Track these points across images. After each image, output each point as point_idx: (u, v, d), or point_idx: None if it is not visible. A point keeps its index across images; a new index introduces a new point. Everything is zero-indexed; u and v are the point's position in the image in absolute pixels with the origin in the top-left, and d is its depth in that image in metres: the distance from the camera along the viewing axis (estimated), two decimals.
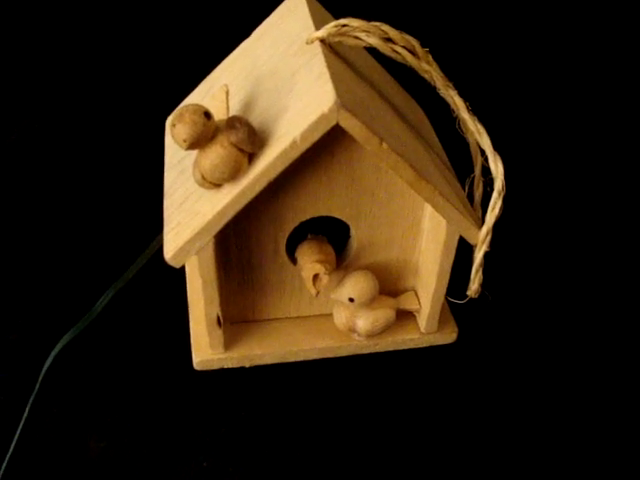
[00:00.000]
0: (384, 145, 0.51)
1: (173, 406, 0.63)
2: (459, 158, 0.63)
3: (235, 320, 0.66)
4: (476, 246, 0.59)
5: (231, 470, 0.60)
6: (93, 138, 0.89)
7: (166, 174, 0.62)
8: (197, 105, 0.51)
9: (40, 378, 0.64)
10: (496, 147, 0.57)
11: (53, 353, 0.65)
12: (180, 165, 0.60)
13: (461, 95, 0.58)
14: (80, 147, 0.87)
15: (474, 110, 0.58)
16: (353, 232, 0.62)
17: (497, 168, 0.57)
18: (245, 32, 0.65)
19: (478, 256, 0.59)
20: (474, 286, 0.61)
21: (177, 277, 0.68)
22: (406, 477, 0.60)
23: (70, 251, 0.75)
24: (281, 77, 0.55)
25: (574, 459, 0.62)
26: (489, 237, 0.58)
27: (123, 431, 0.62)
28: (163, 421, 0.62)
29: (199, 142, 0.50)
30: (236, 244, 0.60)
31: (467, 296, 0.62)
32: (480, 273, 0.60)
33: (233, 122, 0.51)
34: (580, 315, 0.72)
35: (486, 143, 0.58)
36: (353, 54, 0.59)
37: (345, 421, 0.63)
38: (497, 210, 0.57)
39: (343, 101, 0.48)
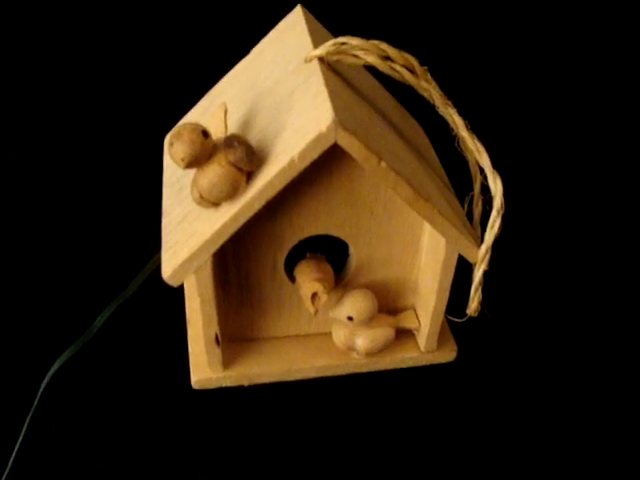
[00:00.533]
0: (382, 164, 0.51)
1: (171, 425, 0.63)
2: (458, 176, 0.63)
3: (233, 338, 0.65)
4: (475, 265, 0.59)
5: None
6: (92, 155, 0.89)
7: (164, 192, 0.62)
8: (195, 124, 0.51)
9: (38, 396, 0.64)
10: (495, 165, 0.57)
11: (51, 371, 0.65)
12: (178, 183, 0.60)
13: (460, 113, 0.58)
14: (79, 164, 0.87)
15: (473, 128, 0.58)
16: (352, 250, 0.62)
17: (496, 186, 0.57)
18: (244, 49, 0.65)
19: (477, 275, 0.59)
20: (473, 304, 0.61)
21: (175, 295, 0.67)
22: None
23: (69, 268, 0.75)
24: (280, 95, 0.55)
25: (575, 478, 0.62)
26: (488, 256, 0.58)
27: (120, 450, 0.61)
28: (161, 440, 0.62)
29: (197, 161, 0.50)
30: (234, 263, 0.59)
31: (466, 314, 0.62)
32: (479, 291, 0.60)
33: (231, 141, 0.50)
34: (580, 333, 0.72)
35: (485, 161, 0.58)
36: (352, 72, 0.59)
37: (344, 440, 0.63)
38: (496, 228, 0.57)
39: (341, 119, 0.48)
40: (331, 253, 0.63)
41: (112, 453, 0.61)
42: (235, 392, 0.65)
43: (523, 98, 1.01)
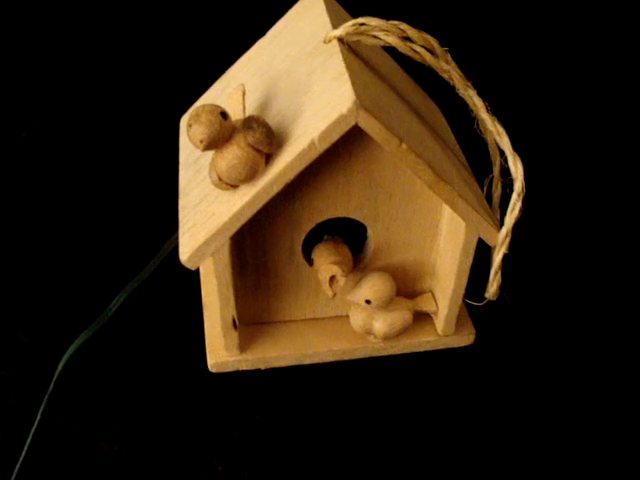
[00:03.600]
0: (403, 146, 0.50)
1: (187, 409, 0.63)
2: (478, 159, 0.63)
3: (250, 322, 0.65)
4: (495, 248, 0.58)
5: (246, 474, 0.60)
6: (107, 137, 0.89)
7: (181, 174, 0.61)
8: (213, 105, 0.50)
9: (53, 380, 0.64)
10: (516, 148, 0.57)
11: (67, 355, 0.65)
12: (196, 165, 0.59)
13: (480, 95, 0.57)
14: (94, 147, 0.87)
15: (493, 110, 0.58)
16: (370, 233, 0.61)
17: (517, 169, 0.56)
18: (261, 30, 0.64)
19: (497, 258, 0.59)
20: (492, 288, 0.60)
21: (192, 278, 0.67)
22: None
23: (84, 251, 0.75)
24: (298, 76, 0.55)
25: (590, 463, 0.61)
26: (508, 239, 0.57)
27: (136, 434, 0.62)
28: (177, 424, 0.62)
29: (216, 143, 0.50)
30: (252, 245, 0.59)
31: (485, 298, 0.61)
32: (499, 275, 0.59)
33: (250, 122, 0.50)
34: (599, 316, 0.71)
35: (505, 144, 0.57)
36: (370, 53, 0.59)
37: (361, 424, 0.63)
38: (516, 212, 0.56)
39: (362, 101, 0.48)
40: (349, 236, 0.62)
41: (127, 437, 0.61)
42: (252, 375, 0.65)
43: (544, 80, 1.00)
